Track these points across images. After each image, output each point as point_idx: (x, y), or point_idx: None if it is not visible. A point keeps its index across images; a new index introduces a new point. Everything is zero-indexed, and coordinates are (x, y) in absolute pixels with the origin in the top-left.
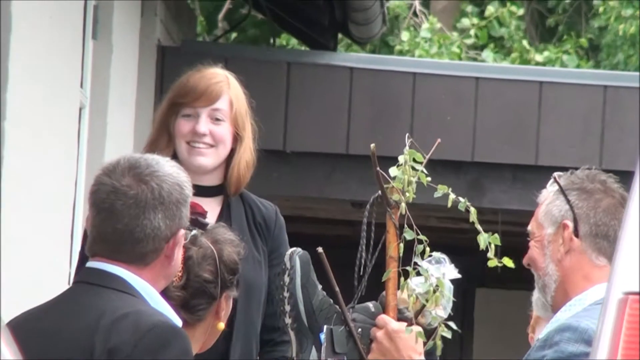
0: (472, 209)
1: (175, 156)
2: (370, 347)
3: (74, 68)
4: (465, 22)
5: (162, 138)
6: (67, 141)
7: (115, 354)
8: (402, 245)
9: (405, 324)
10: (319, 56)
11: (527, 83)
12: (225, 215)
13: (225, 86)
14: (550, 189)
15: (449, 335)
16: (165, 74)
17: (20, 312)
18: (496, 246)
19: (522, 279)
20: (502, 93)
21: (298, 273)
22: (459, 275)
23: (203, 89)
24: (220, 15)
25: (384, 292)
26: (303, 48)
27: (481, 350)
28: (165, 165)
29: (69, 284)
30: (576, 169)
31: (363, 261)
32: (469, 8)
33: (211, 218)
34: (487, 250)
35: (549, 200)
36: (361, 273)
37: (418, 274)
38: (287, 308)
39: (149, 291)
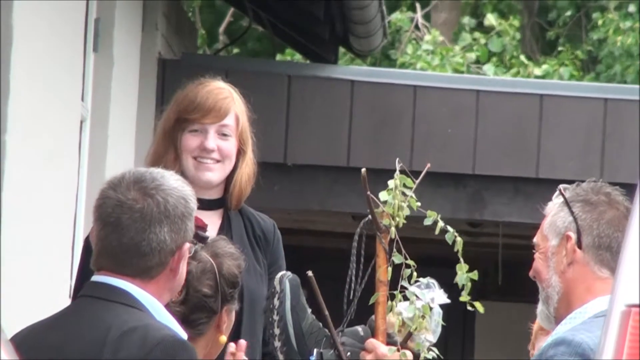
0: (459, 239)
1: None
2: None
3: (75, 81)
4: (466, 37)
5: (169, 153)
6: (68, 154)
7: None
8: (390, 269)
9: (395, 348)
10: (320, 69)
11: (527, 96)
12: (226, 229)
13: (231, 102)
14: (556, 200)
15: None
16: (166, 87)
17: (21, 324)
18: (495, 258)
19: (523, 292)
20: (502, 106)
21: (288, 296)
22: (448, 301)
23: (212, 105)
24: (221, 29)
25: (373, 316)
26: (304, 61)
27: None
28: (170, 179)
29: (69, 296)
30: (577, 181)
31: (352, 285)
32: (466, 19)
33: (212, 231)
34: (488, 265)
35: (554, 212)
36: (350, 297)
37: (406, 298)
38: (277, 331)
39: (154, 305)
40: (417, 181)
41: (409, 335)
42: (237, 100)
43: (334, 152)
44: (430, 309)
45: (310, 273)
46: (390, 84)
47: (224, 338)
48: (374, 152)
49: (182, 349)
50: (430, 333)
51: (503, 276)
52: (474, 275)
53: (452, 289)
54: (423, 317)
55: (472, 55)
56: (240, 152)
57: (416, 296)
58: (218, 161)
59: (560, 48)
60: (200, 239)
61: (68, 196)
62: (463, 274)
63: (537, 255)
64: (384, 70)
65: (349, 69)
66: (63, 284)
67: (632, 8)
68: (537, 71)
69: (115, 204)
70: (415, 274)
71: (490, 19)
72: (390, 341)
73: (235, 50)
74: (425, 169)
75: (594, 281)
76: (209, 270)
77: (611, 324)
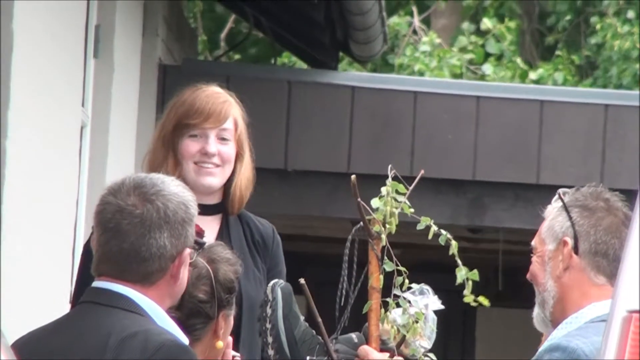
0: (454, 242)
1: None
2: None
3: (75, 87)
4: (463, 40)
5: (169, 159)
6: (69, 160)
7: None
8: (381, 275)
9: (387, 354)
10: (320, 75)
11: (528, 102)
12: (224, 234)
13: (230, 106)
14: (555, 204)
15: None
16: (166, 93)
17: (22, 330)
18: (495, 264)
19: (523, 298)
20: (503, 112)
21: (280, 305)
22: (442, 307)
23: (212, 109)
24: (223, 35)
25: (367, 323)
26: (304, 67)
27: None
28: (170, 185)
29: (70, 303)
30: (576, 187)
31: (345, 292)
32: (465, 25)
33: (210, 236)
34: (488, 271)
35: (552, 216)
36: (343, 304)
37: (399, 305)
38: (270, 339)
39: (155, 310)
40: (410, 188)
41: (403, 341)
42: (235, 105)
43: (334, 158)
44: (424, 315)
45: (302, 280)
46: (390, 90)
47: (220, 344)
48: (374, 158)
49: (183, 353)
50: (424, 339)
51: (503, 282)
52: (474, 275)
53: (453, 295)
54: (416, 321)
55: (468, 56)
56: (238, 156)
57: (409, 302)
58: (218, 165)
59: (557, 52)
60: (197, 244)
61: (68, 202)
62: (461, 271)
63: (534, 259)
64: (384, 76)
65: (350, 75)
66: (64, 290)
67: (630, 14)
68: (532, 75)
69: (115, 210)
70: (407, 280)
71: (487, 22)
72: (384, 348)
73: (237, 56)
74: (419, 175)
75: (589, 287)
76: (205, 275)
77: (612, 330)
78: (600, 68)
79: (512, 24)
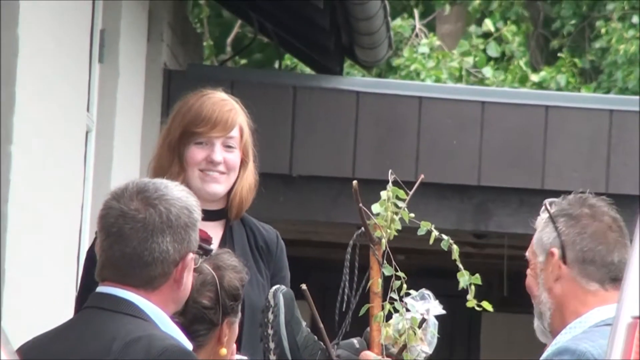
0: (455, 247)
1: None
2: None
3: (80, 92)
4: (464, 44)
5: (174, 166)
6: (74, 165)
7: None
8: (380, 280)
9: (388, 359)
10: (325, 80)
11: (532, 107)
12: (228, 239)
13: (236, 114)
14: (543, 215)
15: None
16: (171, 98)
17: (27, 336)
18: (500, 270)
19: (528, 303)
20: (507, 117)
21: (282, 310)
22: (444, 312)
23: (218, 118)
24: (229, 40)
25: (368, 328)
26: (309, 72)
27: None
28: (174, 190)
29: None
30: (563, 195)
31: (346, 297)
32: (472, 27)
33: (214, 242)
34: (493, 276)
35: (541, 227)
36: (344, 309)
37: (396, 310)
38: (272, 345)
39: (159, 315)
40: (411, 193)
41: (404, 347)
42: (240, 112)
43: (339, 164)
44: (426, 320)
45: (304, 286)
46: (395, 95)
47: (224, 351)
48: (379, 163)
49: (186, 358)
50: (425, 344)
51: (508, 287)
52: (477, 279)
53: (458, 300)
54: (412, 327)
55: (470, 60)
56: (242, 163)
57: (406, 308)
58: (223, 173)
59: (559, 54)
60: (204, 251)
61: (73, 207)
62: (463, 276)
63: (528, 271)
64: (389, 82)
65: (355, 80)
66: (69, 295)
67: (635, 19)
68: (535, 78)
69: (118, 215)
70: (405, 286)
71: (488, 24)
72: (386, 353)
73: (243, 61)
74: (419, 180)
75: (584, 295)
76: (209, 282)
77: (617, 336)
78: (604, 72)
79: (513, 28)
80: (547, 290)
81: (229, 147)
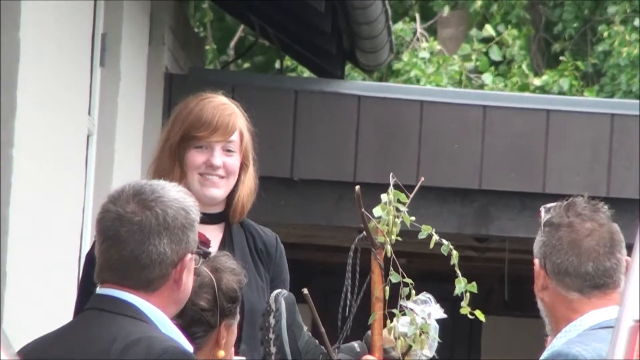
0: (455, 252)
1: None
2: None
3: (82, 95)
4: (466, 48)
5: (175, 170)
6: (75, 168)
7: None
8: (387, 286)
9: None
10: (327, 84)
11: (534, 111)
12: (227, 242)
13: (236, 118)
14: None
15: None
16: (172, 102)
17: (28, 339)
18: (501, 274)
19: (529, 307)
20: (509, 121)
21: (284, 315)
22: (445, 315)
23: (219, 123)
24: (232, 44)
25: (369, 332)
26: (310, 75)
27: None
28: (170, 191)
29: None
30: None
31: (348, 301)
32: (473, 31)
33: (213, 245)
34: (494, 280)
35: (537, 235)
36: (346, 313)
37: (404, 314)
38: (273, 350)
39: (159, 317)
40: (411, 196)
41: (407, 350)
42: (240, 116)
43: (340, 167)
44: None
45: (305, 290)
46: (397, 99)
47: (222, 353)
48: (380, 167)
49: (186, 359)
50: (427, 348)
51: (509, 291)
52: (473, 287)
53: (458, 304)
54: (422, 333)
55: (471, 65)
56: (242, 167)
57: (415, 313)
58: (223, 177)
59: (561, 58)
60: (203, 254)
61: (74, 210)
62: (460, 284)
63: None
64: (390, 86)
65: (356, 84)
66: (70, 298)
67: (637, 22)
68: (537, 81)
69: (115, 217)
70: (413, 292)
71: (489, 29)
72: (387, 357)
73: (245, 65)
74: (419, 183)
75: (569, 303)
76: (207, 284)
77: (619, 340)
78: (607, 75)
79: (514, 32)
80: (540, 298)
81: (229, 151)
